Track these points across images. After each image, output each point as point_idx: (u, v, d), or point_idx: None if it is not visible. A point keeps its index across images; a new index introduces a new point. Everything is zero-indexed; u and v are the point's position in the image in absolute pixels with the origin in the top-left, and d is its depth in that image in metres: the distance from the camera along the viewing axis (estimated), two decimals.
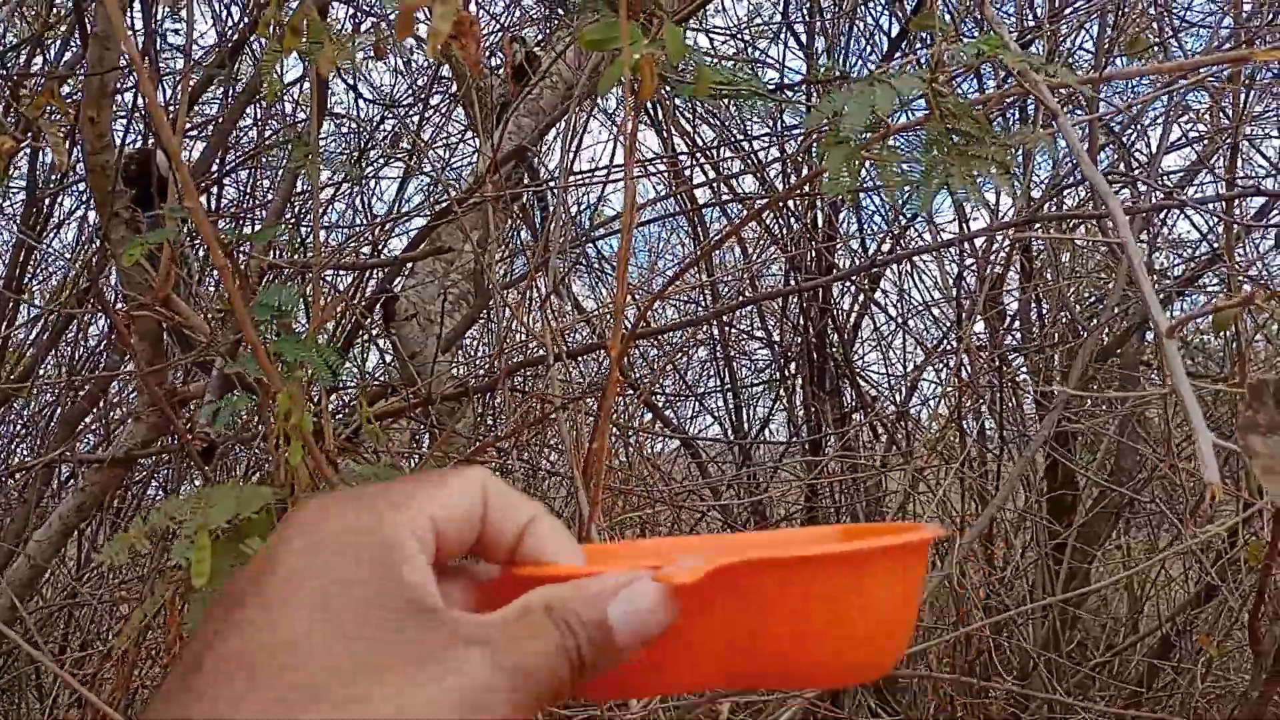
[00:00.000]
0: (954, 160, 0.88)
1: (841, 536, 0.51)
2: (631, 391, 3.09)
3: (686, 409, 4.17)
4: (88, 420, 2.91)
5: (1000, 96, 1.08)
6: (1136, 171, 2.84)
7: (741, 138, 3.24)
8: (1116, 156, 3.10)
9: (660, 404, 3.68)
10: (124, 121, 2.57)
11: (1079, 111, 2.53)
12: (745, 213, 3.65)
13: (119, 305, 1.97)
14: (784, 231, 3.33)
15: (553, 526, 0.39)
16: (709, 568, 0.37)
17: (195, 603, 0.77)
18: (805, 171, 2.78)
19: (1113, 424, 2.78)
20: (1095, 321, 2.79)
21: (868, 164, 1.02)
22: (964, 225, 3.07)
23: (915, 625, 0.46)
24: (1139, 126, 3.00)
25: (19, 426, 3.46)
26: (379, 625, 0.33)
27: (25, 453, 3.45)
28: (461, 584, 0.40)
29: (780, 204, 2.90)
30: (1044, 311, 3.10)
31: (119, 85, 2.05)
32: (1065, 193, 2.97)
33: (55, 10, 2.69)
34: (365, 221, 3.26)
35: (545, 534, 0.39)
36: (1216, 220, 2.65)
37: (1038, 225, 2.10)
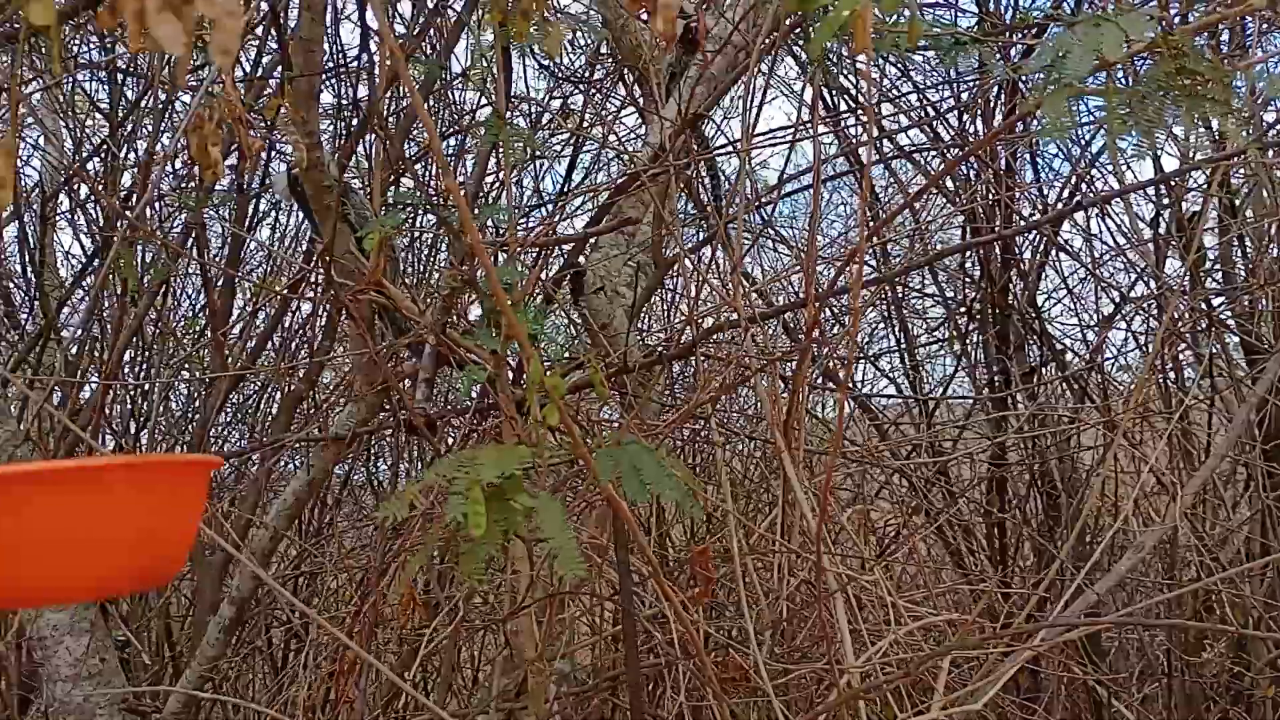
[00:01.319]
0: (1184, 100, 0.85)
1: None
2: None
3: (860, 374, 4.12)
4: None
5: (1230, 15, 1.03)
6: None
7: (908, 90, 3.16)
8: None
9: (833, 368, 3.64)
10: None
11: None
12: (912, 168, 3.57)
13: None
14: (957, 186, 3.23)
15: None
16: None
17: (467, 554, 0.84)
18: (990, 118, 2.70)
19: None
20: None
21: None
22: (1157, 166, 2.91)
23: (193, 539, 0.48)
24: None
25: (229, 413, 3.72)
26: None
27: (241, 437, 3.72)
28: None
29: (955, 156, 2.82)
30: (1248, 251, 2.91)
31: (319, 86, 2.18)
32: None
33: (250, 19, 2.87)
34: (538, 200, 3.36)
35: None
36: None
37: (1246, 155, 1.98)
